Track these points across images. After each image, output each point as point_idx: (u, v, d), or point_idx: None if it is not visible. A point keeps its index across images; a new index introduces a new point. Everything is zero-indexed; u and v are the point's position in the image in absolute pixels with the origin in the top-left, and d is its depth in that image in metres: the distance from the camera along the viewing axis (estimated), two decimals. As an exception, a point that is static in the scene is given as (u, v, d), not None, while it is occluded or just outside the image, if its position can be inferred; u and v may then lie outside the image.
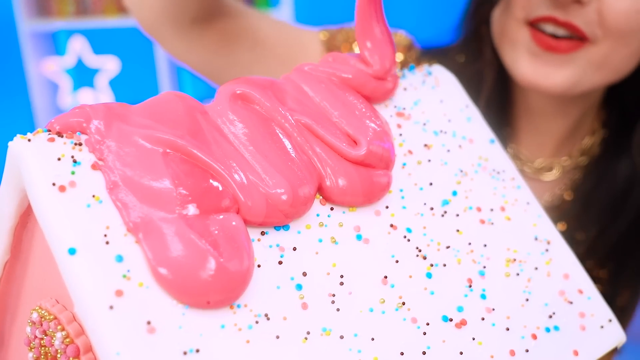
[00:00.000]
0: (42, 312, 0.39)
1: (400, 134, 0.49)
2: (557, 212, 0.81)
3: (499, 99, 0.77)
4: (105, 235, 0.36)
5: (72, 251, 0.34)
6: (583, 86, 0.69)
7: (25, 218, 0.40)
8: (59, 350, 0.38)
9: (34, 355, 0.40)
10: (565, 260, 0.50)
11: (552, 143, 0.81)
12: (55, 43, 2.65)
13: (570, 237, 0.75)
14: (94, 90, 2.59)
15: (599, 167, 0.80)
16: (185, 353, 0.34)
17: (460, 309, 0.44)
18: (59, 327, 0.38)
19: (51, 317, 0.38)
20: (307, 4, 2.60)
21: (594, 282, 0.51)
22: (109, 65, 2.57)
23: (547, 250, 0.50)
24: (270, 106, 0.44)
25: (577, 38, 0.65)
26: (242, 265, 0.36)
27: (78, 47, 2.58)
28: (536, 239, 0.50)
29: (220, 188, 0.39)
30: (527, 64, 0.69)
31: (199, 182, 0.38)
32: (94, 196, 0.36)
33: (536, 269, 0.48)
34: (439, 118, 0.52)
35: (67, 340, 0.37)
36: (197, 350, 0.34)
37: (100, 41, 2.61)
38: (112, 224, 0.36)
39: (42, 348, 0.40)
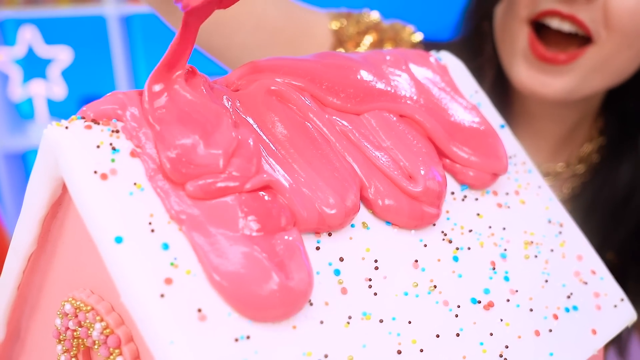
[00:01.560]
0: (77, 303, 0.38)
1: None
2: None
3: (497, 97, 0.77)
4: (150, 224, 0.35)
5: (118, 240, 0.34)
6: (583, 92, 0.69)
7: (56, 208, 0.39)
8: (96, 342, 0.37)
9: (64, 348, 0.40)
10: (577, 242, 0.51)
11: (549, 147, 0.81)
12: (3, 33, 2.58)
13: None
14: (45, 81, 2.52)
15: (599, 174, 0.79)
16: (236, 340, 0.34)
17: (486, 291, 0.44)
18: (97, 317, 0.37)
19: (88, 307, 0.38)
20: None
21: None
22: (61, 56, 2.50)
23: (560, 232, 0.51)
24: (308, 107, 0.44)
25: (582, 36, 0.65)
26: (305, 284, 0.36)
27: (28, 36, 2.51)
28: (549, 221, 0.51)
29: (279, 201, 0.39)
30: (523, 70, 0.68)
31: (259, 198, 0.38)
32: (135, 184, 0.36)
33: (552, 250, 0.49)
34: (450, 104, 0.52)
35: (107, 330, 0.37)
36: (248, 337, 0.34)
37: (52, 31, 2.54)
38: (155, 212, 0.36)
39: (75, 340, 0.39)
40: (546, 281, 0.47)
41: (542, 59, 0.66)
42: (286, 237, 0.37)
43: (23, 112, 2.66)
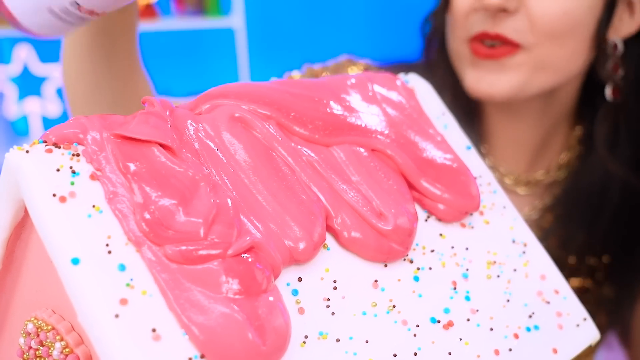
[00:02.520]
0: (39, 322, 0.39)
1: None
2: (543, 225, 0.83)
3: (465, 115, 0.79)
4: (107, 245, 0.36)
5: (75, 261, 0.34)
6: (530, 89, 0.73)
7: (19, 229, 0.40)
8: (57, 361, 0.38)
9: (27, 367, 0.40)
10: (541, 261, 0.52)
11: (527, 157, 0.83)
12: (-1, 51, 2.60)
13: (561, 247, 0.78)
14: (41, 99, 2.54)
15: (578, 177, 0.82)
16: (190, 359, 0.35)
17: (446, 311, 0.45)
18: (57, 337, 0.38)
19: (49, 327, 0.38)
20: (258, 11, 2.61)
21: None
22: (56, 74, 2.53)
23: (524, 252, 0.52)
24: (273, 136, 0.45)
25: (510, 46, 0.70)
26: (280, 348, 0.36)
27: (24, 55, 2.54)
28: (513, 241, 0.52)
29: (261, 257, 0.39)
30: (471, 74, 0.74)
31: (242, 261, 0.38)
32: (94, 206, 0.37)
33: (515, 270, 0.50)
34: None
35: (67, 350, 0.37)
36: (202, 356, 0.35)
37: (47, 49, 2.56)
38: (113, 234, 0.36)
39: (37, 359, 0.39)
40: (508, 301, 0.48)
41: (484, 56, 0.71)
42: (269, 299, 0.37)
43: (18, 130, 2.68)
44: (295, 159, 0.44)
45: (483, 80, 0.73)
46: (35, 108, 2.54)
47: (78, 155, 0.38)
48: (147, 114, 0.41)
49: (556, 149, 0.84)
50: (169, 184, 0.38)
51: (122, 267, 0.35)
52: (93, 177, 0.38)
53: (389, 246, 0.44)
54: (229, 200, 0.39)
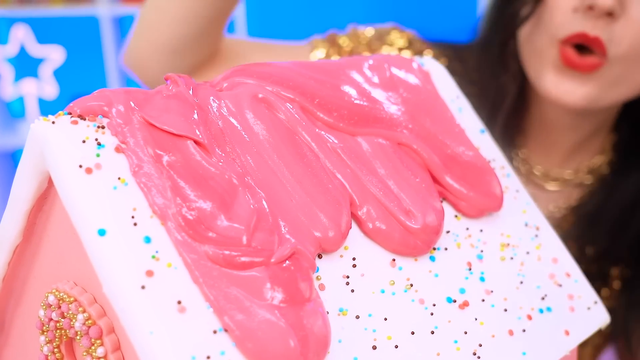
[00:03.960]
0: (60, 294, 0.39)
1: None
2: (563, 225, 0.82)
3: (517, 108, 0.78)
4: (132, 217, 0.36)
5: (102, 232, 0.35)
6: (603, 102, 0.70)
7: (42, 201, 0.40)
8: (79, 332, 0.38)
9: (47, 338, 0.40)
10: (553, 245, 0.53)
11: (561, 154, 0.82)
12: (-4, 31, 2.59)
13: (579, 251, 0.77)
14: (37, 80, 2.52)
15: (607, 186, 0.81)
16: (215, 332, 0.35)
17: (462, 291, 0.45)
18: (80, 309, 0.38)
19: (71, 299, 0.38)
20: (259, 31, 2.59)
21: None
22: (53, 55, 2.51)
23: (536, 235, 0.52)
24: (297, 120, 0.44)
25: (599, 55, 0.67)
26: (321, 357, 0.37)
27: (20, 35, 2.52)
28: (526, 225, 0.52)
29: (303, 265, 0.38)
30: (552, 79, 0.70)
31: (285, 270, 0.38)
32: (119, 178, 0.37)
33: (528, 253, 0.51)
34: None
35: (89, 322, 0.38)
36: (226, 330, 0.35)
37: (45, 30, 2.54)
38: (138, 206, 0.36)
39: (58, 331, 0.40)
40: (521, 282, 0.49)
41: (571, 65, 0.68)
42: (312, 307, 0.37)
43: (14, 111, 2.66)
44: (319, 144, 0.44)
45: (562, 85, 0.70)
46: (31, 89, 2.53)
47: (103, 127, 0.38)
48: (172, 97, 0.41)
49: (591, 151, 0.83)
50: (207, 186, 0.38)
51: (148, 240, 0.36)
52: (118, 149, 0.38)
53: (414, 242, 0.44)
54: (264, 204, 0.39)
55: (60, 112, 0.38)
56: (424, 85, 0.53)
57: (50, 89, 2.54)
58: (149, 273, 0.35)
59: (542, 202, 0.81)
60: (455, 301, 0.45)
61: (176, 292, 0.35)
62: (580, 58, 0.67)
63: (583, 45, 0.68)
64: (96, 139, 0.37)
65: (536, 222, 0.53)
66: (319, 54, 0.83)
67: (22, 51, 2.53)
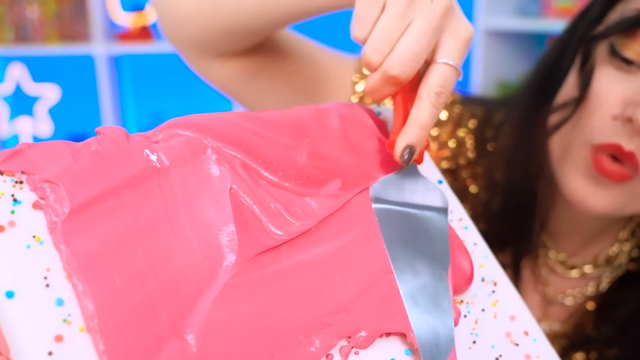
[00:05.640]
0: (-24, 357, 0.37)
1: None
2: (577, 328, 0.77)
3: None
4: (45, 278, 0.34)
5: (9, 294, 0.33)
6: (627, 211, 0.67)
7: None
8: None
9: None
10: (511, 301, 0.50)
11: (578, 241, 0.78)
12: (-8, 70, 2.60)
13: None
14: (32, 119, 2.53)
15: (623, 293, 0.75)
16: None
17: (408, 352, 0.43)
18: (-7, 373, 0.36)
19: (-15, 362, 0.37)
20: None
21: None
22: (48, 94, 2.52)
23: (493, 291, 0.50)
24: (237, 178, 0.43)
25: (631, 169, 0.63)
26: None
27: (17, 74, 2.53)
28: (483, 280, 0.50)
29: None
30: (580, 182, 0.67)
31: None
32: (34, 237, 0.35)
33: (483, 310, 0.48)
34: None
35: (2, 387, 0.36)
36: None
37: (41, 69, 2.56)
38: (52, 266, 0.35)
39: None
40: (474, 342, 0.46)
41: (602, 172, 0.64)
42: None
43: (9, 149, 2.66)
44: (260, 205, 0.43)
45: (589, 190, 0.66)
46: (27, 127, 2.53)
47: (21, 182, 0.37)
48: (96, 154, 0.39)
49: (609, 240, 0.78)
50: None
51: (60, 302, 0.34)
52: (36, 205, 0.36)
53: None
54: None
55: (-23, 166, 0.37)
56: (378, 137, 0.51)
57: (45, 127, 2.54)
58: (59, 338, 0.33)
59: (558, 286, 0.78)
60: (401, 363, 0.43)
61: (87, 358, 0.33)
62: (612, 165, 0.63)
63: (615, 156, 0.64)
64: (12, 195, 0.36)
65: (494, 277, 0.51)
66: (355, 78, 0.79)
67: (18, 89, 2.54)
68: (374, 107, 0.55)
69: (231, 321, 0.38)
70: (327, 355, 0.40)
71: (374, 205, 0.47)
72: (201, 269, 0.39)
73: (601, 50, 0.64)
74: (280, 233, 0.42)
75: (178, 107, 2.60)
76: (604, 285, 0.77)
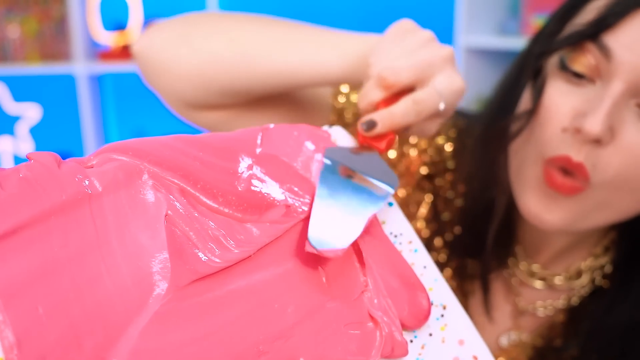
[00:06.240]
0: None
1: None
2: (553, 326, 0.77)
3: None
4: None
5: None
6: (582, 225, 0.67)
7: None
8: None
9: None
10: (460, 325, 0.50)
11: (550, 254, 0.77)
12: (-26, 89, 2.58)
13: None
14: (14, 138, 2.52)
15: (606, 296, 0.74)
16: None
17: (349, 379, 0.42)
18: None
19: None
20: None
21: None
22: (29, 113, 2.51)
23: (442, 315, 0.49)
24: (173, 204, 0.43)
25: (581, 180, 0.63)
26: None
27: (-2, 93, 2.52)
28: (432, 303, 0.49)
29: None
30: (532, 197, 0.67)
31: None
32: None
33: (430, 335, 0.48)
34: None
35: None
36: None
37: (21, 88, 2.55)
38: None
39: None
40: (420, 368, 0.46)
41: (554, 187, 0.64)
42: None
43: (-10, 169, 2.64)
44: (197, 231, 0.42)
45: (540, 205, 0.66)
46: (7, 147, 2.52)
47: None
48: (25, 180, 0.39)
49: (582, 254, 0.77)
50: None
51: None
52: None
53: None
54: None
55: None
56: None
57: (26, 147, 2.53)
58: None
59: (529, 297, 0.77)
60: (341, 390, 0.42)
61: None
62: (562, 179, 0.63)
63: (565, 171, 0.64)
64: None
65: (443, 300, 0.50)
66: (335, 102, 0.78)
67: (-1, 109, 2.53)
68: (326, 127, 0.54)
69: (161, 350, 0.37)
70: None
71: (324, 159, 0.50)
72: (131, 297, 0.38)
73: (552, 65, 0.64)
74: (217, 260, 0.42)
75: (160, 126, 2.58)
76: (575, 299, 0.76)
